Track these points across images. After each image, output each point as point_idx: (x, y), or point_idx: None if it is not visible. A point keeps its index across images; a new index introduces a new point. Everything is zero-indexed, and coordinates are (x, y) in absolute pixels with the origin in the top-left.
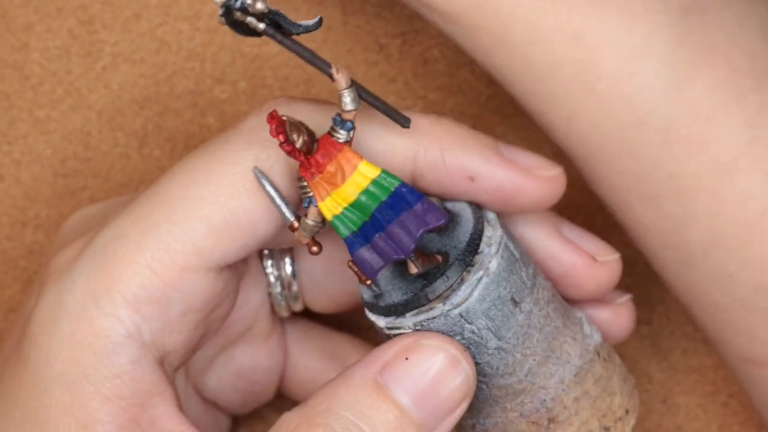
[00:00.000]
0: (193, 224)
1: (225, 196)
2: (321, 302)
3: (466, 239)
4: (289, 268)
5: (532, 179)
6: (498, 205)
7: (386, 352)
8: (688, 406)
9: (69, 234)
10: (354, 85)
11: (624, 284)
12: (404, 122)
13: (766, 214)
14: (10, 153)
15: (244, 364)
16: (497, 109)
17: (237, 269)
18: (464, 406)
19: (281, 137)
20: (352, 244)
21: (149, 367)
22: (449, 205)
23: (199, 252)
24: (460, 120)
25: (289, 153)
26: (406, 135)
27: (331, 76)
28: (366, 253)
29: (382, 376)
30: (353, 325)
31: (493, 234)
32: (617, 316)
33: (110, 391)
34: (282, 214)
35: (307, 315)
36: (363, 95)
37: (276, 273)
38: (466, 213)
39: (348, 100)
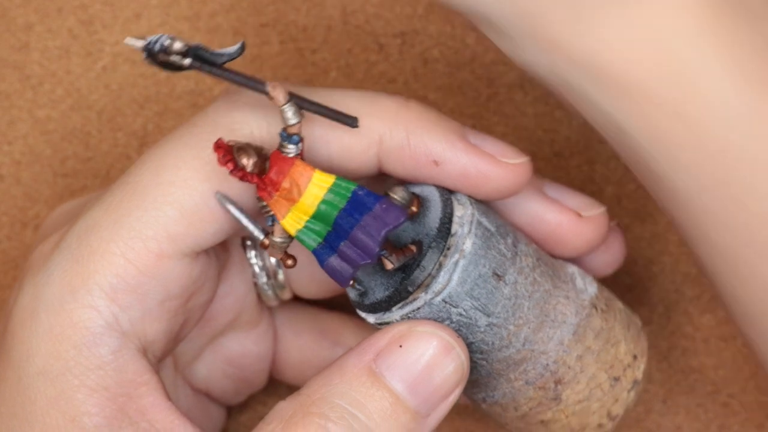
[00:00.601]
0: (164, 210)
1: (195, 180)
2: (309, 289)
3: (437, 224)
4: (273, 258)
5: (497, 166)
6: (462, 191)
7: (380, 339)
8: (688, 406)
9: (50, 228)
10: (293, 97)
11: (624, 284)
12: (352, 123)
13: None
14: (10, 153)
15: (233, 352)
16: (497, 109)
17: (214, 255)
18: (458, 392)
19: (230, 166)
20: (320, 255)
21: (131, 357)
22: (417, 190)
23: (173, 238)
24: (460, 120)
25: (241, 179)
26: (373, 117)
27: (267, 94)
28: (335, 262)
29: (376, 363)
30: (345, 304)
31: (463, 213)
32: (607, 246)
33: (94, 382)
34: (251, 233)
35: (297, 298)
36: (304, 106)
37: (260, 263)
38: (434, 196)
39: (290, 115)
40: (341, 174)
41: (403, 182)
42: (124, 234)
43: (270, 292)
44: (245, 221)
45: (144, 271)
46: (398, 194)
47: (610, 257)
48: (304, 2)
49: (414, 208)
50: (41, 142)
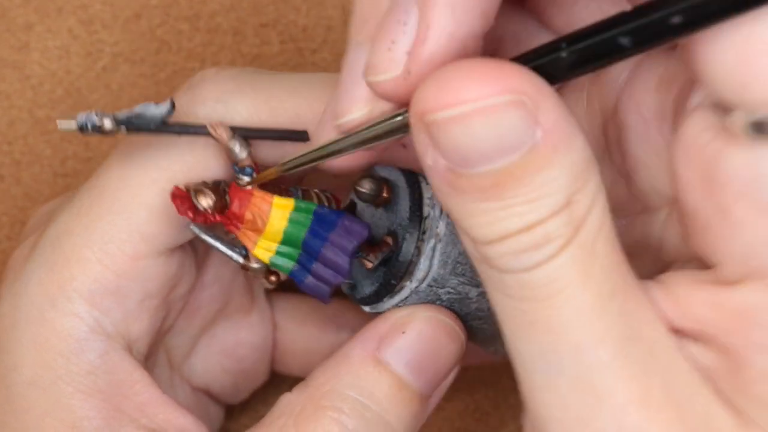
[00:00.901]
0: (135, 212)
1: (163, 180)
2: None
3: (407, 211)
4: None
5: None
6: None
7: (382, 326)
8: None
9: (30, 231)
10: (236, 131)
11: None
12: (302, 137)
13: None
14: (10, 153)
15: (227, 342)
16: None
17: (191, 247)
18: (455, 371)
19: (190, 214)
20: (296, 277)
21: (119, 358)
22: (384, 173)
23: (146, 239)
24: None
25: (204, 222)
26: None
27: (211, 136)
28: (312, 282)
29: (380, 351)
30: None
31: (432, 193)
32: None
33: (88, 387)
34: (230, 258)
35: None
36: (250, 135)
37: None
38: (401, 180)
39: (237, 150)
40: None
41: (368, 171)
42: (97, 239)
43: (261, 275)
44: (222, 248)
45: (121, 274)
46: (365, 187)
47: None
48: (304, 2)
49: (385, 194)
50: (41, 142)
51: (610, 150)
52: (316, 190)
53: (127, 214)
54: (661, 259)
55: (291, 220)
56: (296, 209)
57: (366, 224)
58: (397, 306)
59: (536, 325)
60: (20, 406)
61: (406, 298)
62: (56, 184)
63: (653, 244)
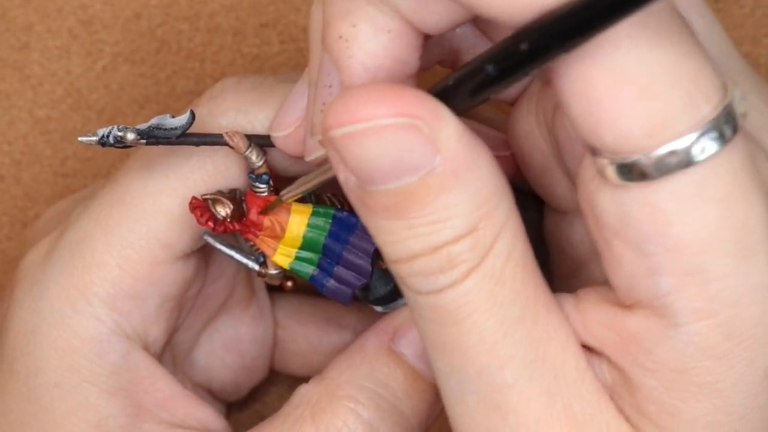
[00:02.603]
0: (155, 219)
1: (182, 189)
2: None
3: None
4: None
5: None
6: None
7: (396, 319)
8: None
9: (40, 232)
10: (251, 140)
11: None
12: None
13: None
14: (10, 153)
15: (228, 335)
16: (497, 108)
17: (204, 249)
18: None
19: (210, 224)
20: (318, 282)
21: (140, 357)
22: None
23: (165, 245)
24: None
25: (224, 231)
26: None
27: (228, 145)
28: (334, 286)
29: (394, 342)
30: None
31: None
32: None
33: (112, 387)
34: (246, 267)
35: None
36: (266, 144)
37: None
38: None
39: (254, 159)
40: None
41: None
42: (116, 245)
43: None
44: (238, 256)
45: (140, 279)
46: None
47: None
48: (304, 2)
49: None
50: (41, 142)
51: (557, 158)
52: (328, 195)
53: (147, 221)
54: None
55: (310, 225)
56: (315, 214)
57: None
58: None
59: (446, 346)
60: (43, 408)
61: None
62: (56, 184)
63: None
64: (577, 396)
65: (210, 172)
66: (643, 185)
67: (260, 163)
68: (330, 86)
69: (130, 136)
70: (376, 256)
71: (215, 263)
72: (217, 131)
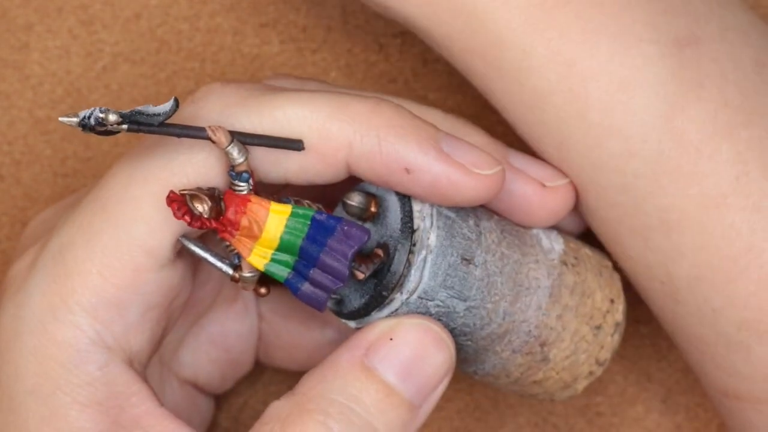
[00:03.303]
0: (135, 226)
1: (163, 194)
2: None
3: (399, 224)
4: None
5: (469, 177)
6: (433, 199)
7: (369, 334)
8: (687, 406)
9: (29, 239)
10: (234, 136)
11: (622, 282)
12: (297, 147)
13: (751, 251)
14: (10, 153)
15: (215, 332)
16: (497, 108)
17: (191, 257)
18: (446, 381)
19: (187, 218)
20: (292, 285)
21: (119, 370)
22: (372, 188)
23: (147, 252)
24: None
25: (200, 227)
26: (343, 122)
27: (210, 140)
28: (308, 290)
29: (368, 357)
30: None
31: (422, 206)
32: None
33: (86, 398)
34: (220, 271)
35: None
36: (247, 141)
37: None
38: (390, 194)
39: (235, 155)
40: (308, 182)
41: (357, 185)
42: (98, 252)
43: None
44: (212, 260)
45: (122, 287)
46: (355, 200)
47: (574, 222)
48: (304, 2)
49: (373, 209)
50: (41, 142)
51: None
52: (307, 202)
53: (129, 228)
54: None
55: (288, 227)
56: (293, 215)
57: (366, 228)
58: (386, 317)
59: None
60: (19, 416)
61: (396, 310)
62: (56, 184)
63: None
64: None
65: (191, 176)
66: None
67: (241, 160)
68: None
69: (112, 117)
70: (354, 266)
71: (203, 269)
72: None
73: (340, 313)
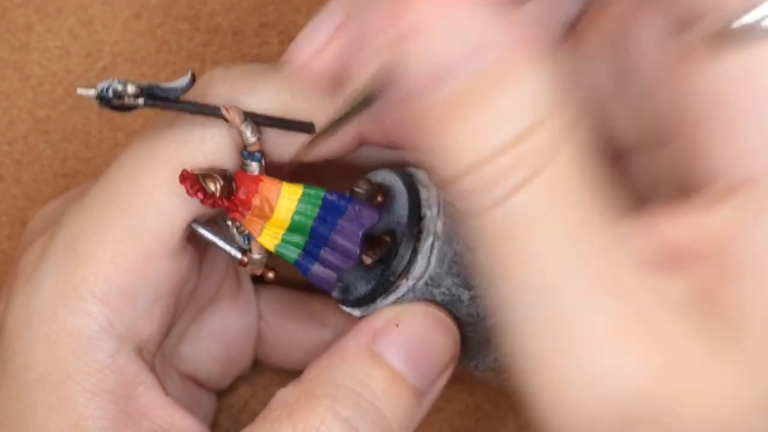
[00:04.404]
0: (147, 213)
1: (174, 181)
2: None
3: (406, 210)
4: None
5: None
6: None
7: (376, 320)
8: None
9: (34, 232)
10: (248, 116)
11: None
12: (308, 129)
13: None
14: (10, 153)
15: (215, 327)
16: None
17: (197, 246)
18: (451, 368)
19: (200, 195)
20: (302, 266)
21: (128, 358)
22: (378, 178)
23: (158, 239)
24: None
25: (212, 205)
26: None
27: (224, 118)
28: (319, 270)
29: (375, 344)
30: None
31: (429, 195)
32: None
33: (95, 386)
34: (228, 254)
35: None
36: (260, 121)
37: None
38: (397, 183)
39: (248, 134)
40: (324, 157)
41: (365, 174)
42: (109, 239)
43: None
44: (221, 244)
45: (134, 275)
46: (362, 188)
47: None
48: (304, 2)
49: (380, 198)
50: (41, 142)
51: (619, 87)
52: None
53: (140, 215)
54: (659, 196)
55: (299, 207)
56: (305, 195)
57: (376, 207)
58: (391, 305)
59: (504, 264)
60: (28, 404)
61: (403, 296)
62: (56, 184)
63: (663, 186)
64: (644, 312)
65: (201, 164)
66: (746, 50)
67: (254, 140)
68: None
69: (131, 89)
70: (364, 245)
71: (208, 260)
72: (205, 122)
73: (345, 301)
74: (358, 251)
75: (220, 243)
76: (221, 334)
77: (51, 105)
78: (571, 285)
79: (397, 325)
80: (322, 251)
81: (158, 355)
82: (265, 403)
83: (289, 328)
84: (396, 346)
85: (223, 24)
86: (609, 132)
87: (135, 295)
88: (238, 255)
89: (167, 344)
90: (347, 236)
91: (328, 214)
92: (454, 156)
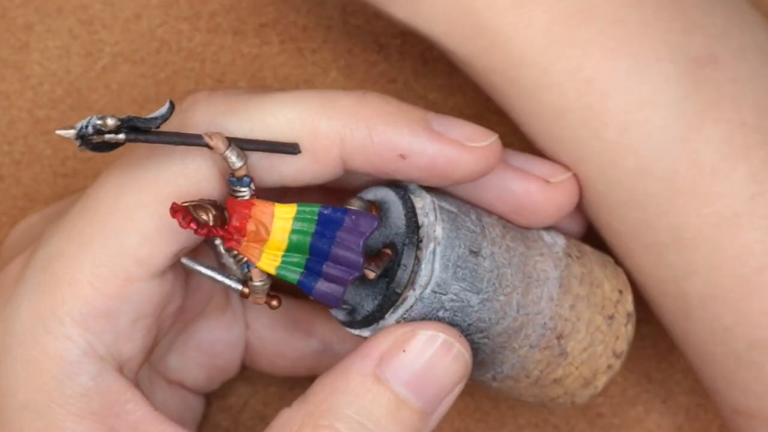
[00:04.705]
0: (127, 236)
1: (155, 203)
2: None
3: (403, 221)
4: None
5: (465, 151)
6: (432, 181)
7: (383, 342)
8: (688, 406)
9: (12, 248)
10: (232, 141)
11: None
12: (293, 150)
13: (764, 271)
14: (10, 153)
15: (204, 340)
16: (497, 109)
17: (181, 266)
18: (461, 386)
19: (193, 225)
20: (305, 285)
21: (112, 379)
22: (370, 196)
23: (138, 261)
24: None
25: (207, 235)
26: (332, 118)
27: (207, 146)
28: (323, 287)
29: (380, 369)
30: None
31: (423, 203)
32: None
33: (80, 410)
34: (228, 288)
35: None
36: (244, 146)
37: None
38: (390, 196)
39: (234, 159)
40: (305, 184)
41: (357, 192)
42: (88, 262)
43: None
44: (220, 277)
45: (113, 297)
46: (355, 205)
47: (576, 221)
48: (304, 2)
49: (374, 213)
50: (41, 142)
51: None
52: None
53: (119, 238)
54: None
55: (295, 225)
56: (299, 213)
57: (374, 215)
58: (402, 319)
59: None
60: (15, 429)
61: (411, 306)
62: (56, 184)
63: None
64: None
65: (183, 187)
66: None
67: (240, 164)
68: None
69: (110, 121)
70: (365, 260)
71: (195, 276)
72: (188, 149)
73: (353, 323)
74: (362, 260)
75: (219, 277)
76: (208, 346)
77: (51, 105)
78: None
79: (404, 351)
80: (324, 266)
81: (146, 366)
82: (265, 404)
83: (276, 338)
84: (402, 372)
85: (223, 24)
86: None
87: (115, 317)
88: (239, 287)
89: (155, 357)
90: (348, 247)
91: (326, 228)
92: None
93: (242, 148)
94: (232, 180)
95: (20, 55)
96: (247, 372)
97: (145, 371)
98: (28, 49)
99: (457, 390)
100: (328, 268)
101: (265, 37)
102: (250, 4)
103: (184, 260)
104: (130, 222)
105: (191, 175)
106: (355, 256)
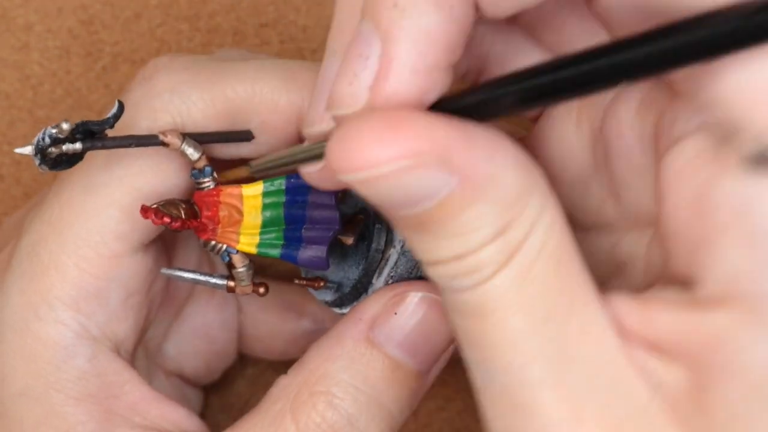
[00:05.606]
0: (106, 213)
1: (129, 177)
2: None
3: None
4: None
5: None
6: None
7: (373, 307)
8: None
9: (1, 245)
10: (186, 136)
11: None
12: (247, 137)
13: None
14: (10, 153)
15: (197, 323)
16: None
17: (161, 240)
18: (452, 348)
19: (166, 219)
20: (289, 256)
21: (107, 360)
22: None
23: (120, 237)
24: None
25: (181, 227)
26: (291, 92)
27: (163, 144)
28: (307, 252)
29: (373, 333)
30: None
31: None
32: None
33: (78, 393)
34: (213, 286)
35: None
36: (198, 139)
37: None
38: None
39: (190, 152)
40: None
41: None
42: (71, 244)
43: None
44: (203, 278)
45: (100, 276)
46: None
47: None
48: (304, 2)
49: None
50: None
51: (599, 168)
52: None
53: (99, 216)
54: (645, 278)
55: (265, 200)
56: (266, 188)
57: None
58: (390, 278)
59: (474, 339)
60: (12, 418)
61: (396, 263)
62: None
63: (638, 264)
64: (618, 397)
65: (154, 159)
66: None
67: (198, 155)
68: (367, 57)
69: (65, 125)
70: (340, 233)
71: (178, 256)
72: (150, 112)
73: (343, 299)
74: (338, 213)
75: (202, 278)
76: (203, 330)
77: (51, 105)
78: (528, 370)
79: (395, 313)
80: (303, 231)
81: (142, 355)
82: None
83: (268, 320)
84: (394, 334)
85: (223, 24)
86: (583, 203)
87: (104, 297)
88: (223, 282)
89: (150, 345)
90: (322, 204)
91: (296, 195)
92: (431, 252)
93: (199, 141)
94: (194, 173)
95: (20, 55)
96: (247, 372)
97: (143, 363)
98: (28, 49)
99: (449, 352)
100: (306, 231)
101: (265, 37)
102: (250, 4)
103: (164, 270)
104: (107, 198)
105: (160, 150)
106: (331, 212)
